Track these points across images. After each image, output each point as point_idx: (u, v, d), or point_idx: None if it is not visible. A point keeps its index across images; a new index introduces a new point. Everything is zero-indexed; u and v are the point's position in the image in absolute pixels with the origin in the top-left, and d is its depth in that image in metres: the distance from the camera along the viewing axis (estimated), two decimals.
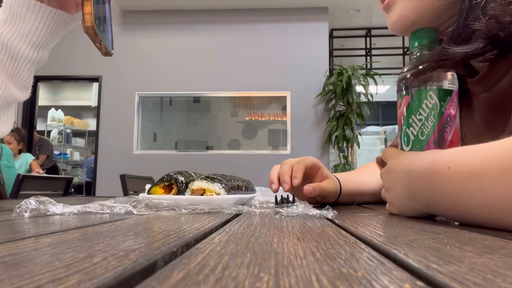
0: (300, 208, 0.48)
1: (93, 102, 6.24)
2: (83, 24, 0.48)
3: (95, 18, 0.48)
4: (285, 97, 4.62)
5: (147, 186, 0.59)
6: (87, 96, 6.88)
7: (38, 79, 4.82)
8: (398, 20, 0.54)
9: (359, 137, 4.37)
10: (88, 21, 0.47)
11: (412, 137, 0.49)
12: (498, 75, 0.49)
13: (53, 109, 6.17)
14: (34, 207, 0.43)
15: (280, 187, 0.61)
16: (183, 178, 0.57)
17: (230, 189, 0.56)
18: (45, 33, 0.56)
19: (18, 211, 0.42)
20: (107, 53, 0.54)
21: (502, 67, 0.48)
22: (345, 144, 4.29)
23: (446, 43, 0.47)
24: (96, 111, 4.76)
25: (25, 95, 0.60)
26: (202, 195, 0.55)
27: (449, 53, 0.45)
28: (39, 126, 5.37)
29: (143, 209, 0.50)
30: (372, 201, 0.76)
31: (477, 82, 0.53)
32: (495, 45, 0.44)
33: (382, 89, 5.03)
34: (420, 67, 0.49)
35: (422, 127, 0.48)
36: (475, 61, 0.51)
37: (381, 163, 0.79)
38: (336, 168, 4.29)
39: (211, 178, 0.57)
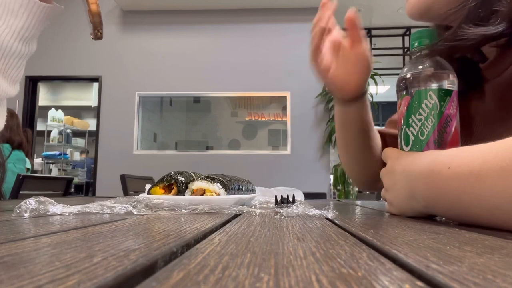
0: (300, 208, 0.48)
1: (93, 102, 6.23)
2: (89, 13, 0.52)
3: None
4: (285, 97, 4.62)
5: (147, 186, 0.59)
6: (87, 96, 6.88)
7: (38, 79, 4.83)
8: (416, 4, 0.54)
9: None
10: (94, 9, 0.54)
11: (412, 137, 0.49)
12: (507, 61, 0.49)
13: (53, 109, 6.17)
14: (34, 207, 0.43)
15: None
16: (183, 178, 0.57)
17: (230, 190, 0.56)
18: (37, 28, 0.57)
19: (18, 211, 0.42)
20: (100, 37, 0.58)
21: (510, 54, 0.48)
22: None
23: (463, 23, 0.46)
24: (96, 111, 4.76)
25: (16, 89, 0.60)
26: (202, 195, 0.55)
27: (465, 34, 0.45)
28: (39, 126, 5.37)
29: (143, 209, 0.50)
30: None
31: (487, 67, 0.53)
32: None
33: (382, 89, 5.03)
34: (420, 67, 0.49)
35: (422, 127, 0.48)
36: (488, 45, 0.50)
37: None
38: (336, 168, 4.29)
39: (211, 178, 0.57)
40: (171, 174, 0.58)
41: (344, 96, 0.63)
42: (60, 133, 6.18)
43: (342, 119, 0.66)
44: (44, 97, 6.58)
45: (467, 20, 0.46)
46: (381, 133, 0.73)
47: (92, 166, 5.05)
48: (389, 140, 0.71)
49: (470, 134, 0.54)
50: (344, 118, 0.66)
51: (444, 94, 0.47)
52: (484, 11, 0.45)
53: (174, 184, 0.57)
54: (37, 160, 5.52)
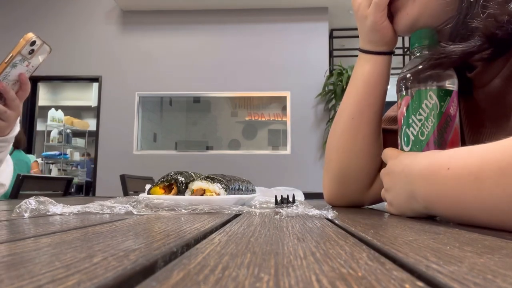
0: (300, 208, 0.48)
1: (93, 102, 6.23)
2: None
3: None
4: (285, 97, 4.62)
5: (147, 186, 0.59)
6: (87, 96, 6.88)
7: (38, 79, 4.83)
8: (402, 18, 0.56)
9: None
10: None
11: (412, 137, 0.49)
12: (492, 72, 0.50)
13: (53, 109, 6.17)
14: (34, 207, 0.43)
15: None
16: (183, 178, 0.57)
17: (230, 190, 0.56)
18: None
19: (18, 211, 0.42)
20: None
21: (496, 65, 0.49)
22: None
23: (444, 42, 0.48)
24: (96, 111, 4.76)
25: None
26: (202, 195, 0.55)
27: (446, 51, 0.46)
28: (39, 126, 5.37)
29: (143, 209, 0.50)
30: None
31: (475, 77, 0.54)
32: (491, 43, 0.44)
33: None
34: (420, 66, 0.49)
35: (422, 127, 0.48)
36: (473, 59, 0.51)
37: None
38: None
39: (211, 179, 0.57)
40: (171, 174, 0.58)
41: (390, 46, 0.63)
42: (60, 133, 6.18)
43: (371, 73, 0.64)
44: (44, 97, 6.58)
45: (450, 38, 0.48)
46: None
47: (92, 166, 5.05)
48: (384, 137, 0.70)
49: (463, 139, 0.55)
50: (375, 71, 0.64)
51: (444, 94, 0.47)
52: (464, 29, 0.47)
53: (174, 184, 0.57)
54: (37, 160, 5.51)
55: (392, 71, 0.65)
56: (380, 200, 0.66)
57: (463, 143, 0.54)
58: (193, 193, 0.56)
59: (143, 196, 0.56)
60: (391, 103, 0.66)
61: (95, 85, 5.10)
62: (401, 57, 5.09)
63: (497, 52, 0.46)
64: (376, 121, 0.64)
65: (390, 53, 0.64)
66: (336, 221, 0.39)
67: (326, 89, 4.42)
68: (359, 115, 0.64)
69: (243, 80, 4.61)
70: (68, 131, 6.26)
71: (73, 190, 5.82)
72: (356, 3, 0.62)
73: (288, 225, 0.35)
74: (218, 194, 0.55)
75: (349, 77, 4.18)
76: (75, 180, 5.80)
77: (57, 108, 6.25)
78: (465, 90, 0.55)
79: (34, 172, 3.33)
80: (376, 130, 0.64)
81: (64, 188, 2.12)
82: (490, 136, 0.52)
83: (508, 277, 0.15)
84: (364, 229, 0.32)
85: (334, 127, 0.69)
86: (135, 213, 0.46)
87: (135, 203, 0.52)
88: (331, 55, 4.93)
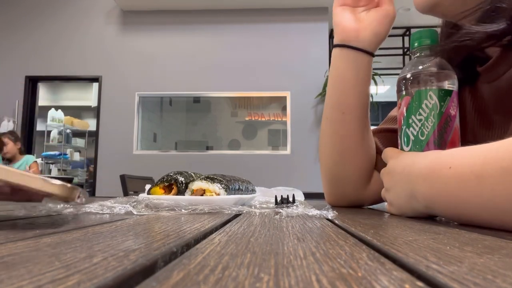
0: (300, 208, 0.48)
1: (93, 102, 6.22)
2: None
3: None
4: (285, 97, 4.62)
5: (147, 187, 0.59)
6: (87, 96, 6.87)
7: (38, 79, 4.83)
8: None
9: None
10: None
11: (412, 137, 0.49)
12: (504, 67, 0.49)
13: (53, 109, 6.16)
14: (34, 207, 0.43)
15: None
16: (183, 179, 0.57)
17: (230, 190, 0.56)
18: None
19: (18, 211, 0.42)
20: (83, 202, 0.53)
21: (508, 59, 0.48)
22: None
23: (472, 24, 0.46)
24: (96, 111, 4.76)
25: None
26: (202, 195, 0.55)
27: (470, 32, 0.45)
28: (39, 126, 5.37)
29: (143, 209, 0.49)
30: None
31: (486, 70, 0.53)
32: None
33: (382, 89, 5.02)
34: (426, 65, 0.48)
35: (422, 127, 0.48)
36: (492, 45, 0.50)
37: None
38: None
39: (211, 179, 0.57)
40: (171, 174, 0.58)
41: (351, 41, 0.64)
42: (60, 133, 6.17)
43: (343, 69, 0.66)
44: (44, 97, 6.57)
45: (478, 21, 0.46)
46: (380, 130, 0.73)
47: (92, 166, 5.05)
48: (387, 136, 0.70)
49: (465, 135, 0.54)
50: (348, 67, 0.66)
51: (444, 94, 0.47)
52: (492, 12, 0.45)
53: (174, 184, 0.57)
54: (37, 160, 5.51)
55: (392, 71, 0.66)
56: (380, 200, 0.66)
57: (474, 141, 0.54)
58: (193, 193, 0.56)
59: (143, 196, 0.56)
60: (392, 103, 0.66)
61: (95, 85, 5.09)
62: (401, 57, 5.09)
63: None
64: (359, 120, 0.64)
65: (358, 49, 0.63)
66: (336, 221, 0.39)
67: (326, 89, 4.42)
68: (338, 116, 0.65)
69: (243, 80, 4.61)
70: (68, 131, 6.25)
71: None
72: None
73: (288, 225, 0.35)
74: (218, 194, 0.55)
75: None
76: (75, 180, 5.80)
77: (57, 108, 6.24)
78: (470, 84, 0.54)
79: (33, 172, 3.36)
80: (360, 129, 0.64)
81: None
82: (502, 133, 0.51)
83: (508, 277, 0.15)
84: (364, 229, 0.32)
85: (321, 130, 0.70)
86: (135, 213, 0.46)
87: (135, 203, 0.52)
88: (331, 55, 4.92)
